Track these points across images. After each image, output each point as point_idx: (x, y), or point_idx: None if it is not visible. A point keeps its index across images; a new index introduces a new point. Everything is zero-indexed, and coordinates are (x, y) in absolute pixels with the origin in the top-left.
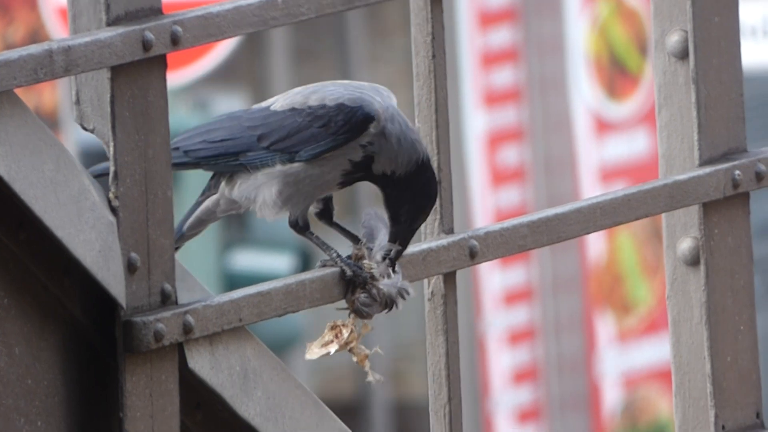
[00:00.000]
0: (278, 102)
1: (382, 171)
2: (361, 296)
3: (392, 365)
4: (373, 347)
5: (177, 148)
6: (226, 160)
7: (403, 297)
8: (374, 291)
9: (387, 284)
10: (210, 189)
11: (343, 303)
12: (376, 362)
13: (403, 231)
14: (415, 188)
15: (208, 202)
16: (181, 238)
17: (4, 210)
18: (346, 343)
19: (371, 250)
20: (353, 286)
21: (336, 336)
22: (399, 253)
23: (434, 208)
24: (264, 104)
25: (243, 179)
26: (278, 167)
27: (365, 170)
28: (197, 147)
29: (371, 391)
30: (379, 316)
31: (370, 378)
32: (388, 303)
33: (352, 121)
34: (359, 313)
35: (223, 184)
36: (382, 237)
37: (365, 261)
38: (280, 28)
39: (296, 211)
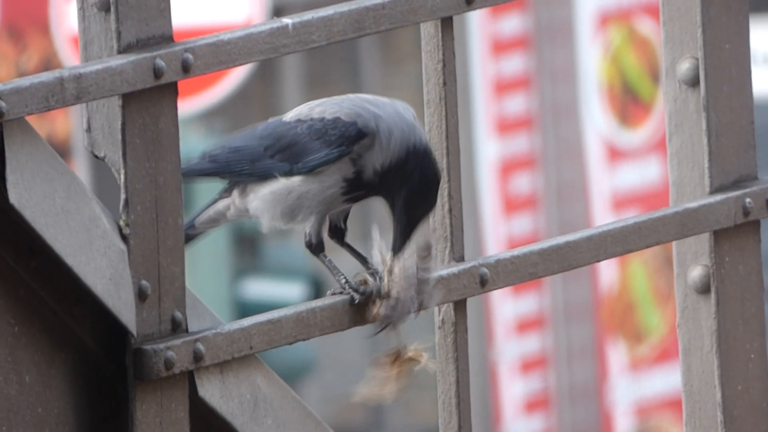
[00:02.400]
0: (291, 113)
1: (371, 174)
2: (381, 309)
3: (402, 394)
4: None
5: (204, 154)
6: (239, 168)
7: (414, 304)
8: (391, 301)
9: (398, 286)
10: (226, 191)
11: (374, 328)
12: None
13: (402, 226)
14: (403, 174)
15: (220, 205)
16: (192, 228)
17: (15, 237)
18: (410, 359)
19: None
20: (369, 305)
21: (394, 360)
22: (400, 246)
23: (444, 235)
24: (282, 115)
25: (252, 190)
26: (281, 180)
27: (363, 187)
28: (218, 152)
29: (382, 419)
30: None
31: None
32: (417, 304)
33: (346, 135)
34: (389, 324)
35: (236, 191)
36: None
37: (369, 280)
38: (292, 55)
39: (308, 230)
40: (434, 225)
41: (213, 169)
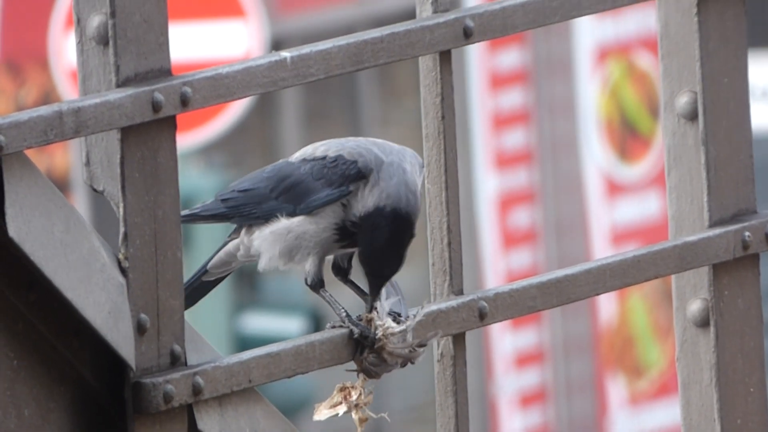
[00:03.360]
0: (297, 153)
1: (353, 220)
2: (370, 356)
3: (403, 427)
4: (382, 411)
5: (216, 196)
6: (248, 210)
7: (412, 360)
8: (384, 354)
9: (396, 345)
10: (234, 232)
11: (352, 364)
12: (386, 424)
13: (369, 278)
14: (366, 231)
15: (230, 246)
16: (206, 274)
17: (14, 271)
18: (355, 405)
19: (378, 311)
20: (362, 347)
21: (345, 398)
22: (370, 304)
23: (443, 269)
24: (290, 156)
25: (257, 230)
26: (283, 221)
27: (352, 235)
28: (228, 196)
29: None
30: (389, 376)
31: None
32: (400, 363)
33: (346, 174)
34: (368, 372)
35: (244, 230)
36: (392, 299)
37: (375, 322)
38: (291, 89)
39: (308, 268)
40: (433, 259)
41: (224, 212)
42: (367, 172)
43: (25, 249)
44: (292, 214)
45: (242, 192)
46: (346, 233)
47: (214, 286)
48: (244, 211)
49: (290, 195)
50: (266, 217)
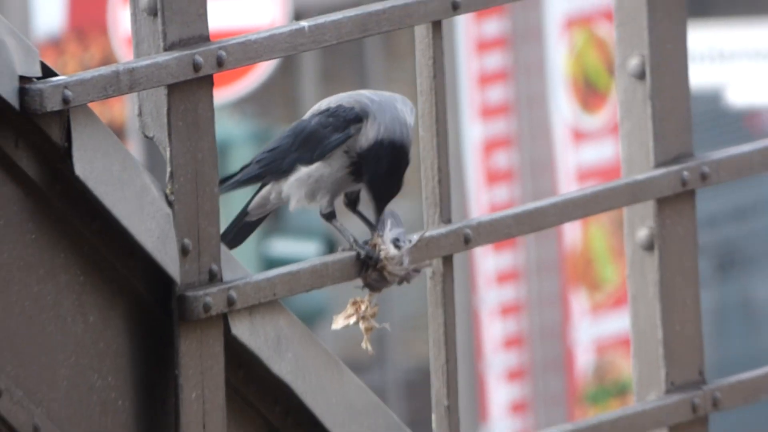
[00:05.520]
0: (308, 112)
1: (357, 155)
2: (373, 274)
3: (402, 333)
4: (384, 321)
5: (252, 162)
6: (276, 166)
7: (407, 280)
8: (385, 273)
9: (396, 266)
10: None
11: (358, 281)
12: (387, 332)
13: (374, 202)
14: (370, 162)
15: (264, 190)
16: (247, 215)
17: (80, 204)
18: (362, 317)
19: (383, 237)
20: (367, 266)
21: (356, 310)
22: (376, 219)
23: (435, 202)
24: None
25: (285, 179)
26: (303, 169)
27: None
28: (261, 157)
29: (384, 355)
30: (391, 293)
31: (364, 345)
32: (398, 281)
33: (347, 119)
34: (371, 287)
35: (274, 180)
36: (396, 230)
37: (379, 246)
38: (308, 53)
39: (324, 203)
40: (426, 193)
41: (258, 173)
42: (364, 114)
43: (89, 185)
44: (309, 162)
45: (269, 151)
46: (358, 170)
47: (257, 226)
48: (273, 168)
49: (306, 147)
50: (290, 169)
